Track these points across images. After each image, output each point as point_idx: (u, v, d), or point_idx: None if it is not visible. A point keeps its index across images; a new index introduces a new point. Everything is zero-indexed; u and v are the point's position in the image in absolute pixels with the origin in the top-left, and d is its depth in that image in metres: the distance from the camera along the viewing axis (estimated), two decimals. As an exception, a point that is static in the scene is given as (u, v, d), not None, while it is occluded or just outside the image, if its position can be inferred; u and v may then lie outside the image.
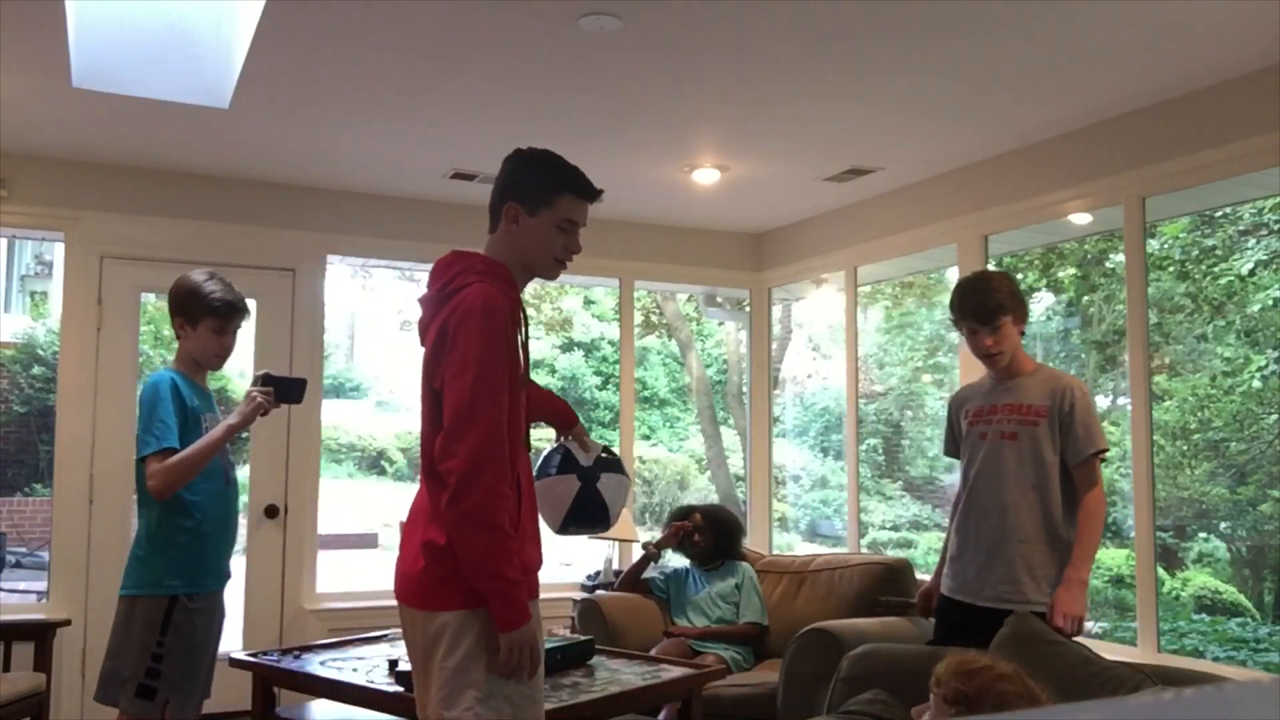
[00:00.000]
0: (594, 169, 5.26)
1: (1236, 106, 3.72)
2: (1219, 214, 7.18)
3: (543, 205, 2.16)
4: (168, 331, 13.70)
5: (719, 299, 7.25)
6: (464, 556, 2.00)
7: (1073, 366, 8.91)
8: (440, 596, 2.04)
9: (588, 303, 15.27)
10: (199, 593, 2.92)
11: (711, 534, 4.65)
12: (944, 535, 3.34)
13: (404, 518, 2.25)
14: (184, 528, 2.90)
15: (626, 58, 3.59)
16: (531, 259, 2.19)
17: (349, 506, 12.55)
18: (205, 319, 3.02)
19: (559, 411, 2.53)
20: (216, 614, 3.02)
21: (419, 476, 2.18)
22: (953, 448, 3.26)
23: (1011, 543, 2.97)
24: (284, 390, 3.03)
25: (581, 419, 2.59)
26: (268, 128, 4.39)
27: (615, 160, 4.82)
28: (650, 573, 4.78)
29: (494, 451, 1.99)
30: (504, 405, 2.03)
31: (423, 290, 2.21)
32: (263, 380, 3.02)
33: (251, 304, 4.98)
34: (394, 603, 2.17)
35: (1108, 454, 3.06)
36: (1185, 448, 7.79)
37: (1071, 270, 8.65)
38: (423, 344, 2.16)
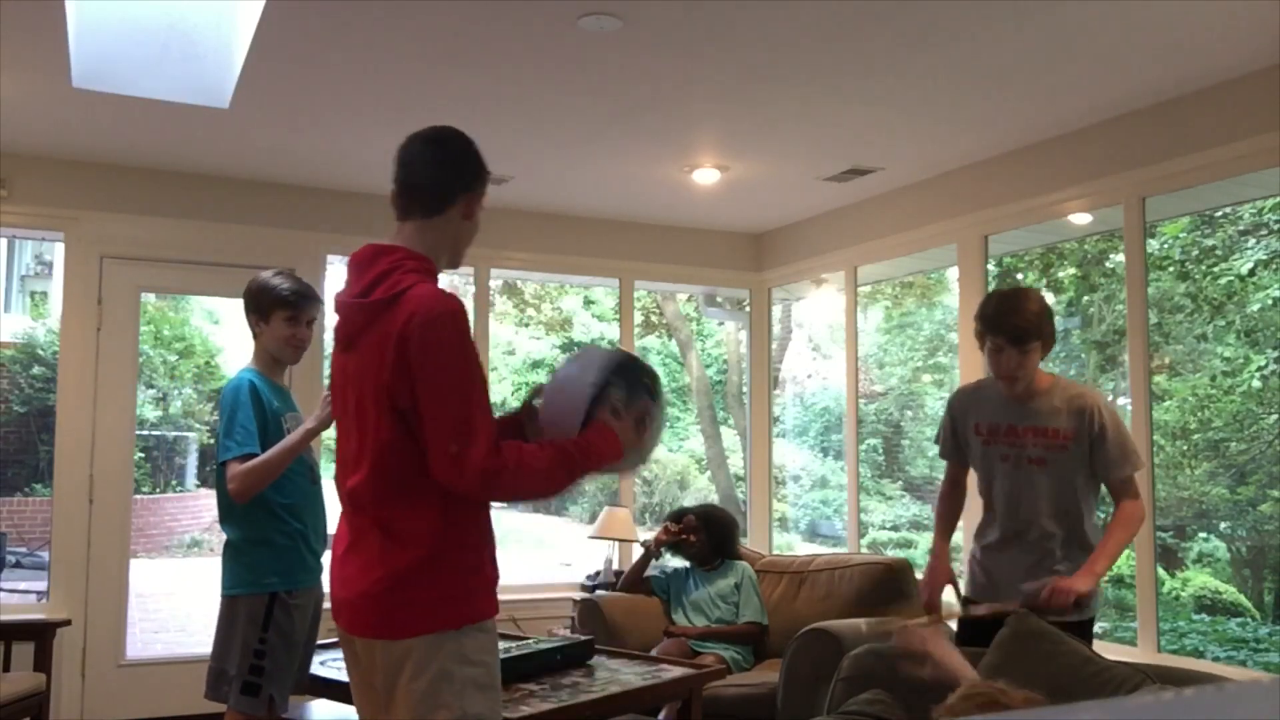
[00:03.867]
0: (594, 169, 5.30)
1: (1236, 106, 3.72)
2: (1219, 214, 7.18)
3: (480, 195, 2.10)
4: (168, 331, 13.56)
5: (719, 299, 7.25)
6: (554, 495, 2.03)
7: (1073, 367, 8.92)
8: (401, 623, 1.94)
9: (588, 303, 15.27)
10: (296, 589, 2.95)
11: (706, 533, 4.65)
12: (934, 534, 3.24)
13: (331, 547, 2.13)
14: (280, 530, 2.94)
15: (626, 58, 3.59)
16: (457, 253, 2.10)
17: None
18: (277, 311, 3.03)
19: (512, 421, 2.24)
20: (312, 606, 3.05)
21: (347, 499, 2.04)
22: (952, 452, 3.14)
23: (1051, 565, 2.89)
24: None
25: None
26: (268, 128, 4.39)
27: (615, 160, 4.82)
28: (651, 572, 4.78)
29: (495, 450, 1.91)
30: (489, 404, 1.96)
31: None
32: None
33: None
34: None
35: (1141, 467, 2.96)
36: (1185, 448, 7.80)
37: (1071, 270, 8.66)
38: (346, 349, 2.03)
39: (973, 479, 3.14)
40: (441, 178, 2.06)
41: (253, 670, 2.87)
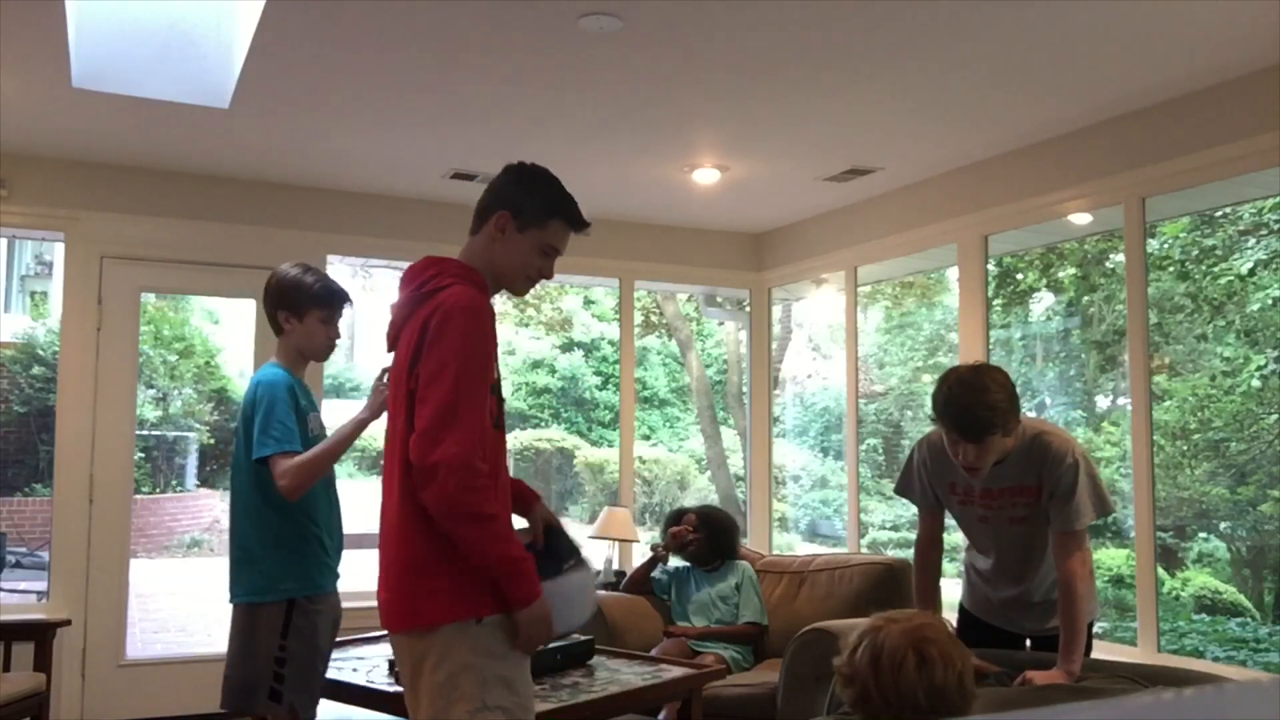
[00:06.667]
0: (594, 169, 5.28)
1: (1236, 106, 3.72)
2: (1219, 214, 7.18)
3: (534, 224, 2.15)
4: (168, 331, 13.50)
5: (719, 299, 7.24)
6: (464, 550, 1.97)
7: (1073, 367, 8.91)
8: (424, 613, 1.99)
9: (588, 303, 15.26)
10: (316, 594, 2.84)
11: (706, 534, 4.64)
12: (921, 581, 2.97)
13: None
14: (307, 532, 2.83)
15: (626, 58, 3.59)
16: (505, 273, 2.18)
17: (349, 506, 12.53)
18: (312, 309, 2.92)
19: (519, 494, 2.31)
20: (332, 614, 2.93)
21: (383, 492, 2.11)
22: (926, 500, 2.93)
23: (1037, 597, 2.86)
24: None
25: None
26: (268, 128, 4.39)
27: (615, 160, 4.82)
28: (654, 572, 4.78)
29: (475, 447, 1.95)
30: (485, 405, 2.00)
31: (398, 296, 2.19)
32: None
33: (251, 304, 5.03)
34: None
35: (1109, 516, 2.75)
36: (1185, 448, 7.79)
37: (1071, 270, 8.65)
38: (392, 349, 2.16)
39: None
40: (486, 198, 2.20)
41: (275, 678, 2.76)
